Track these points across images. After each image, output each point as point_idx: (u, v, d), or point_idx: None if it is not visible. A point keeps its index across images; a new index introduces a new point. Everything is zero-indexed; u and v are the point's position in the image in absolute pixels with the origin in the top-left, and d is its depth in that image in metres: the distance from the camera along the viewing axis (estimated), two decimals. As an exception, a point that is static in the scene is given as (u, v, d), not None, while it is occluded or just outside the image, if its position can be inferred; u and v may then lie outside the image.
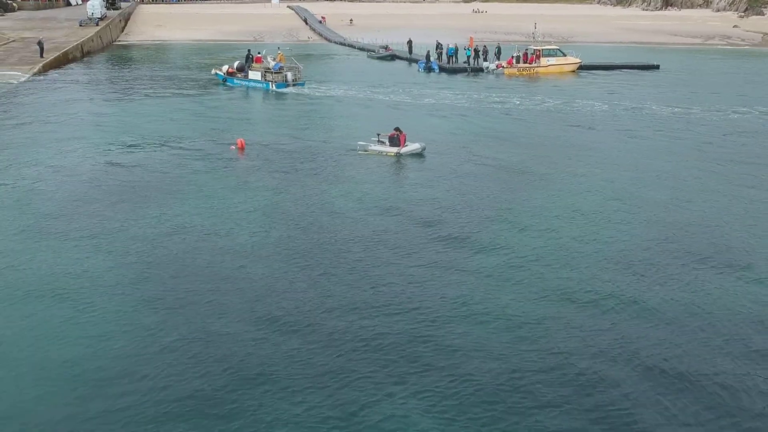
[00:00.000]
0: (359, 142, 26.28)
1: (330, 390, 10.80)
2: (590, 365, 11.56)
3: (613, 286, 14.56)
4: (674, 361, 11.74)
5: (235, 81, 43.58)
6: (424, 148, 25.80)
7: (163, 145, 27.15)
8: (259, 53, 45.85)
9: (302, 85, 41.83)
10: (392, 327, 12.76)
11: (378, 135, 26.46)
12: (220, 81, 44.20)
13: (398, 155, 25.42)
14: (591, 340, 12.41)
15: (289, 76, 41.62)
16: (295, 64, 43.21)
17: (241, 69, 44.04)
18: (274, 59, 43.38)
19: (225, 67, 44.57)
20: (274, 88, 41.24)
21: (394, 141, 25.73)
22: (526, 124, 32.48)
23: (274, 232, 17.59)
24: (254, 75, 42.91)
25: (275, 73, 41.80)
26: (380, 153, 25.73)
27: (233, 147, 26.36)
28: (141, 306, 13.57)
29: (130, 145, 26.96)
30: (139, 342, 12.23)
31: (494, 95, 40.13)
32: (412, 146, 25.70)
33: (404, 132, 25.95)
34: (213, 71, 45.46)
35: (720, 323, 13.07)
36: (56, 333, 12.55)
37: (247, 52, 46.51)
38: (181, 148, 26.74)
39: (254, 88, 42.17)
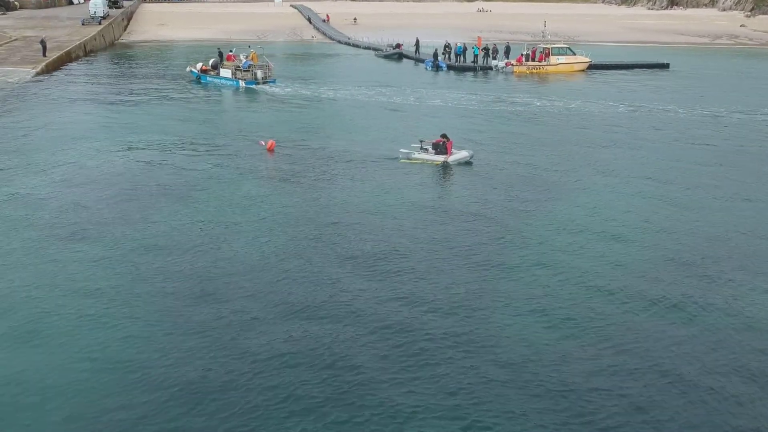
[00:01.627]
0: (401, 150, 24.40)
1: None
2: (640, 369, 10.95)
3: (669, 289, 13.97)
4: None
5: (208, 78, 44.44)
6: (472, 156, 24.15)
7: (172, 145, 26.47)
8: (230, 51, 46.62)
9: (273, 82, 42.63)
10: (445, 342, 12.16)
11: (421, 142, 24.47)
12: (194, 78, 44.88)
13: (445, 164, 23.61)
14: (642, 341, 11.84)
15: (259, 74, 42.47)
16: (266, 62, 43.90)
17: (215, 66, 44.93)
18: (246, 57, 43.99)
19: (199, 65, 45.42)
20: (243, 85, 42.24)
21: (440, 148, 23.86)
22: (552, 127, 31.46)
23: (321, 243, 16.66)
24: (225, 73, 43.84)
25: (245, 71, 42.59)
26: (425, 161, 23.84)
27: (262, 142, 25.72)
28: (171, 309, 12.96)
29: (141, 145, 26.29)
30: (168, 341, 11.65)
31: (507, 95, 39.47)
32: (459, 154, 23.98)
33: (451, 139, 24.15)
34: (188, 68, 46.15)
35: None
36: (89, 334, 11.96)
37: (218, 50, 47.34)
38: (197, 147, 26.10)
39: (225, 86, 42.93)
